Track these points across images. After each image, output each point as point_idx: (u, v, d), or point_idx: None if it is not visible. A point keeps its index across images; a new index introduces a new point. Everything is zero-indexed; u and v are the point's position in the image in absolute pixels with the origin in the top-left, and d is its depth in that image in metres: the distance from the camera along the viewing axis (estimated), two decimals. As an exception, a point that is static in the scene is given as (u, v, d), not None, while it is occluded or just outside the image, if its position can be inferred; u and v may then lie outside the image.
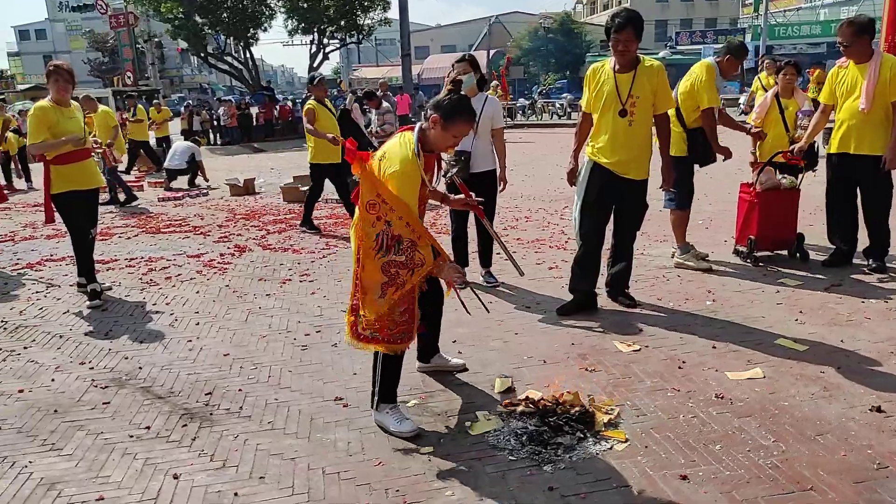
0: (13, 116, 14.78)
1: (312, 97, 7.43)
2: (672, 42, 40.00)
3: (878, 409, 3.05)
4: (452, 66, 4.92)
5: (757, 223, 5.34)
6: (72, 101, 5.03)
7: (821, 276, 5.05)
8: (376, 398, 3.07)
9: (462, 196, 3.38)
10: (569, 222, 7.13)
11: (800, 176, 5.50)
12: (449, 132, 2.87)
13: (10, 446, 3.00)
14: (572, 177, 4.46)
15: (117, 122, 9.32)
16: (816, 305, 4.46)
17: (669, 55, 33.93)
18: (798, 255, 5.47)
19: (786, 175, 5.43)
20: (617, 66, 4.14)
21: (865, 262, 5.20)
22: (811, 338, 3.93)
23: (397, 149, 2.83)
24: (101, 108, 9.11)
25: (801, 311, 4.36)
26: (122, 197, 9.67)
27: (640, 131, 4.17)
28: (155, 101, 17.55)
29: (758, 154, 5.93)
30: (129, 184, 11.61)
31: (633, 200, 4.35)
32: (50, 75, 4.83)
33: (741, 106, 19.27)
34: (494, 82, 18.17)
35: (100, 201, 9.24)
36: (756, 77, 9.77)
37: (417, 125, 2.96)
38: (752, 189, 5.40)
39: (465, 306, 3.28)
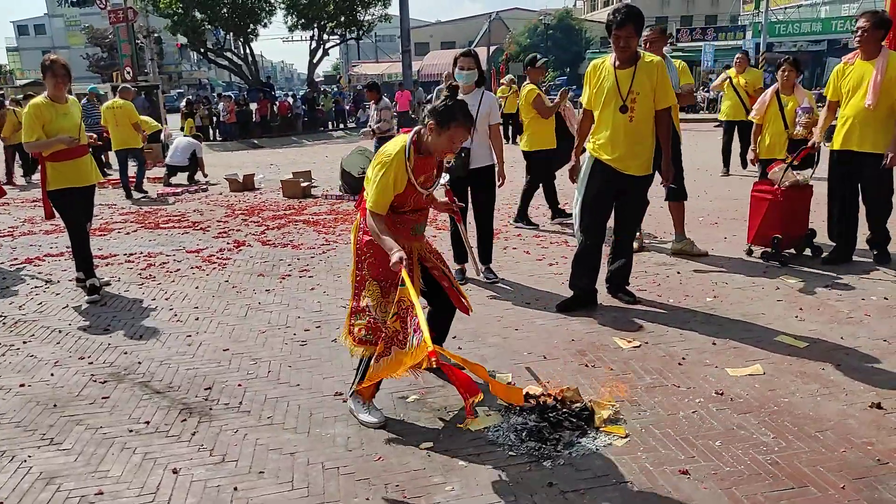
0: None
1: (528, 81, 6.81)
2: (672, 39, 39.95)
3: (878, 406, 3.05)
4: (455, 59, 4.91)
5: (781, 221, 5.24)
6: (68, 97, 4.99)
7: (821, 274, 5.04)
8: (353, 388, 3.11)
9: (446, 200, 3.41)
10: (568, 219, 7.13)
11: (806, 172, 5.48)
12: (444, 137, 2.89)
13: (9, 440, 3.00)
14: (574, 174, 4.45)
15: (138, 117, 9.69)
16: (816, 303, 4.46)
17: (670, 52, 33.83)
18: (810, 251, 5.41)
19: (799, 171, 5.38)
20: (617, 63, 4.13)
21: (869, 258, 5.22)
22: (811, 335, 3.93)
23: (389, 147, 2.94)
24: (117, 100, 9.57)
25: (801, 309, 4.35)
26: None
27: (641, 127, 4.14)
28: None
29: (758, 151, 5.92)
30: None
31: (634, 196, 4.34)
32: (46, 70, 4.75)
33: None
34: (509, 76, 17.80)
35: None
36: (726, 71, 9.43)
37: (415, 128, 3.00)
38: (775, 187, 5.25)
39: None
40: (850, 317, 4.19)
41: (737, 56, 9.22)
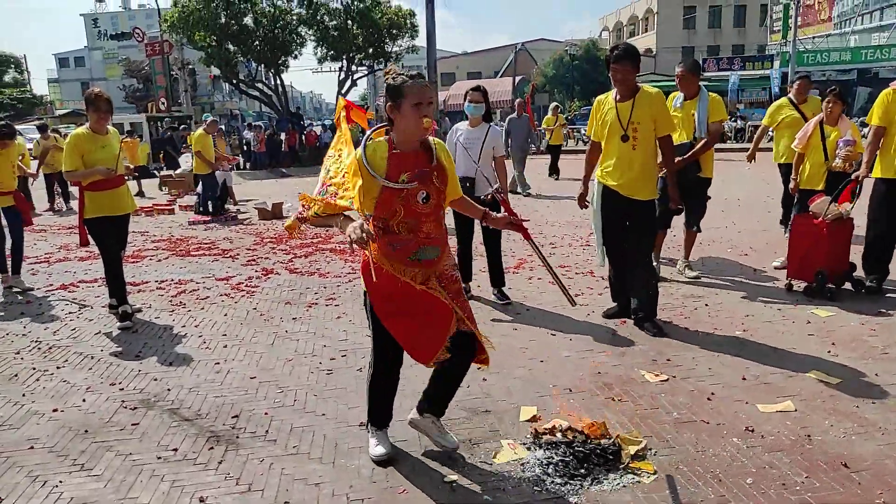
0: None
1: None
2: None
3: (916, 447, 2.96)
4: (466, 93, 5.16)
5: (826, 256, 5.13)
6: (109, 129, 5.17)
7: (853, 307, 4.94)
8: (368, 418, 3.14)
9: (505, 214, 3.06)
10: (593, 249, 7.11)
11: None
12: (406, 107, 2.64)
13: (41, 465, 3.06)
14: (582, 200, 4.87)
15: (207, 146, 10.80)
16: (849, 337, 4.36)
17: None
18: (850, 285, 5.29)
19: (840, 205, 5.28)
20: (618, 97, 4.46)
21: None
22: (844, 371, 3.83)
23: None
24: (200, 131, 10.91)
25: (833, 343, 4.26)
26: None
27: (643, 155, 4.42)
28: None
29: (799, 181, 5.82)
30: (158, 206, 11.93)
31: (639, 221, 4.53)
32: (89, 104, 4.96)
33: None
34: (554, 103, 16.97)
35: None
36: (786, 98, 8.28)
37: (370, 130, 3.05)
38: (819, 220, 5.15)
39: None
40: (885, 352, 4.09)
41: (797, 82, 6.97)
